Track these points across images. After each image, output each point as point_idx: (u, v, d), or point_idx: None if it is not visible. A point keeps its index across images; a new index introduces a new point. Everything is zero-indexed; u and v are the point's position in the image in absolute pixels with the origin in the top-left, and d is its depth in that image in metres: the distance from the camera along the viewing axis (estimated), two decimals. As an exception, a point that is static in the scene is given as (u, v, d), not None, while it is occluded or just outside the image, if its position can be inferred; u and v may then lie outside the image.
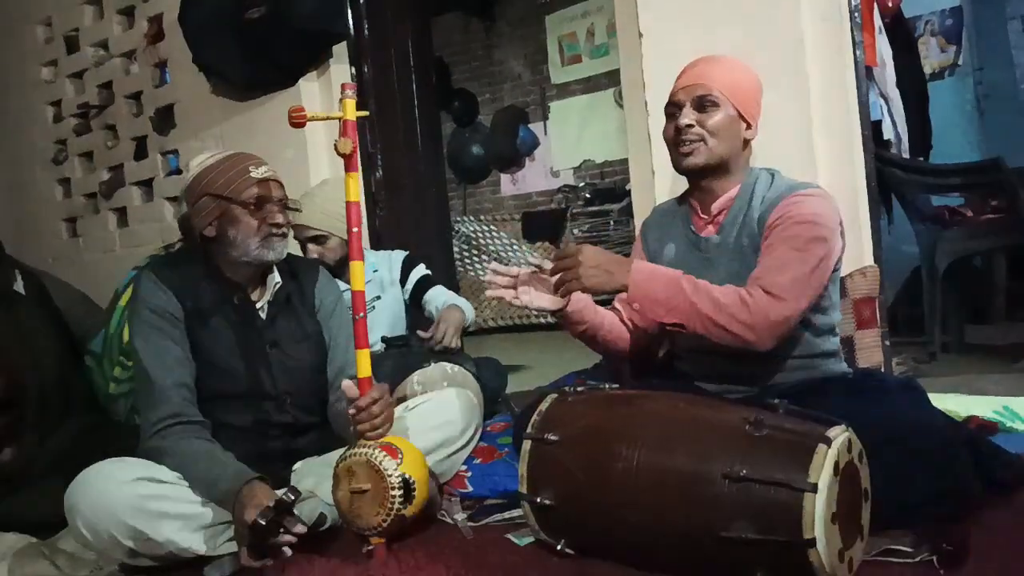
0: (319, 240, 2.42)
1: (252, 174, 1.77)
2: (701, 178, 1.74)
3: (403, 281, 2.61)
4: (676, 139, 1.71)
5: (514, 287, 1.73)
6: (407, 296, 2.61)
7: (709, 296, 1.52)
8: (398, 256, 2.65)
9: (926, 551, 1.28)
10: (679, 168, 1.74)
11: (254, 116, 3.19)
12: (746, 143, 1.74)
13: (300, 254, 2.35)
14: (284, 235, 1.81)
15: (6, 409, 1.97)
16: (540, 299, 1.72)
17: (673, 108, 1.73)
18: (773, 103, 2.22)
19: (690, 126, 1.68)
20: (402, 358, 2.38)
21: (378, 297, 2.55)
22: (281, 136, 3.01)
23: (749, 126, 1.72)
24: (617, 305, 1.89)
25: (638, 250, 1.94)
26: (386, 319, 2.55)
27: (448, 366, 2.29)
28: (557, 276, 1.61)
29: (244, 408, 1.78)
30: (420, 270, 2.62)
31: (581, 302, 1.76)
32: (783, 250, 1.56)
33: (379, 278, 2.58)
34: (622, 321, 1.86)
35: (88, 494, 1.51)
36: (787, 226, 1.59)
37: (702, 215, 1.78)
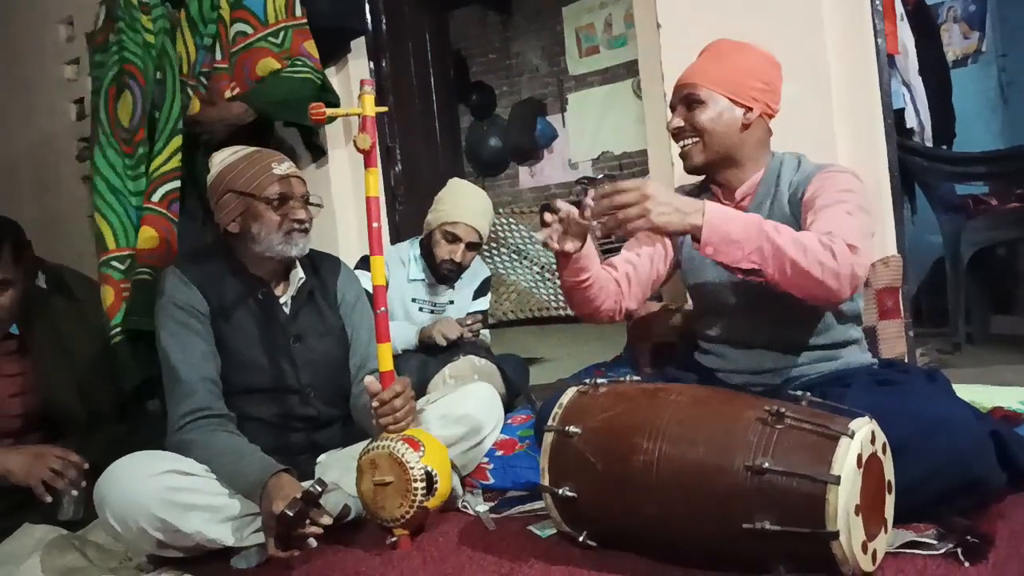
0: (472, 247, 2.52)
1: (274, 171, 1.79)
2: (711, 173, 1.73)
3: (473, 298, 2.71)
4: (676, 141, 1.73)
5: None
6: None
7: (793, 238, 1.40)
8: (481, 274, 2.74)
9: (950, 543, 1.27)
10: (685, 169, 1.74)
11: (274, 112, 3.20)
12: (747, 127, 1.66)
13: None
14: (306, 231, 1.83)
15: (40, 424, 1.99)
16: (564, 241, 1.56)
17: (671, 110, 1.74)
18: (794, 93, 2.20)
19: (680, 127, 1.69)
20: (424, 356, 2.41)
21: (451, 302, 2.65)
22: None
23: (750, 109, 1.66)
24: (615, 262, 1.79)
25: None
26: None
27: (476, 359, 2.33)
28: (611, 213, 1.41)
29: (268, 401, 1.80)
30: (485, 302, 2.73)
31: (589, 248, 1.63)
32: (837, 211, 1.49)
33: (460, 286, 2.67)
34: (616, 281, 1.75)
35: (117, 487, 1.53)
36: (830, 193, 1.54)
37: (725, 201, 1.74)
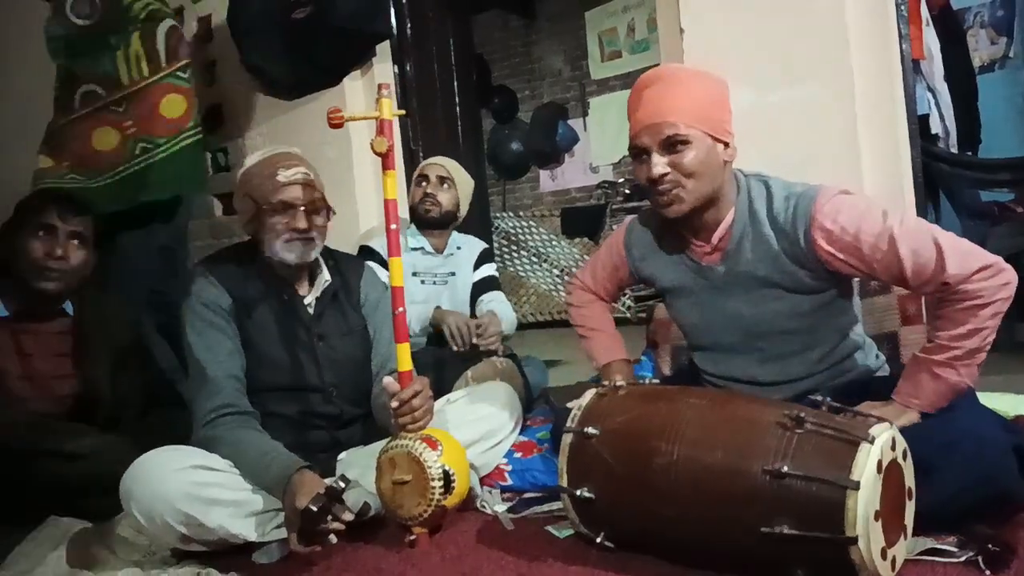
0: (444, 182, 2.62)
1: (278, 177, 1.78)
2: (692, 217, 1.56)
3: (475, 269, 2.73)
4: (652, 188, 1.53)
5: None
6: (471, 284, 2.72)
7: (959, 335, 1.40)
8: (478, 245, 2.79)
9: (971, 551, 1.26)
10: (664, 217, 1.57)
11: (300, 115, 3.25)
12: (727, 163, 1.54)
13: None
14: (308, 239, 1.80)
15: (77, 413, 2.03)
16: None
17: (639, 151, 1.54)
18: (817, 98, 2.20)
19: (664, 175, 1.49)
20: (442, 354, 2.43)
21: (453, 273, 2.68)
22: (326, 135, 3.06)
23: (727, 144, 1.52)
24: (601, 293, 1.95)
25: (618, 254, 1.82)
26: (454, 296, 2.66)
27: (497, 360, 2.34)
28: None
29: (291, 399, 1.82)
30: (490, 268, 2.76)
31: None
32: (901, 243, 1.41)
33: (460, 256, 2.72)
34: (611, 308, 1.98)
35: (143, 481, 1.56)
36: (869, 224, 1.43)
37: (698, 243, 1.63)
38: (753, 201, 1.56)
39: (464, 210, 2.71)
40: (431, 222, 2.62)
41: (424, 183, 2.62)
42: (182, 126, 2.73)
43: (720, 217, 1.57)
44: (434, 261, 2.65)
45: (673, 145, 1.48)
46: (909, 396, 1.46)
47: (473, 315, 2.63)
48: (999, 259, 1.40)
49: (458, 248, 2.72)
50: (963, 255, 1.39)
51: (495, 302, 2.64)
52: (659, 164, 1.49)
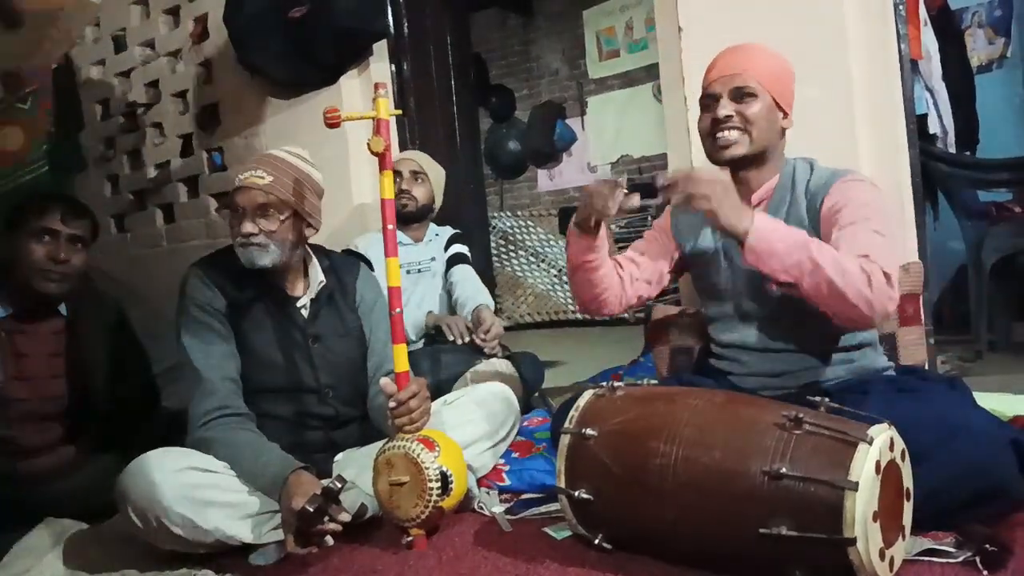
0: (417, 177, 2.68)
1: (236, 181, 1.77)
2: (739, 169, 1.70)
3: (445, 250, 2.80)
4: (713, 130, 1.68)
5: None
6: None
7: (833, 259, 1.43)
8: (450, 231, 2.87)
9: (969, 551, 1.26)
10: (717, 160, 1.70)
11: (296, 114, 3.24)
12: (782, 132, 1.71)
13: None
14: (255, 244, 1.74)
15: (70, 414, 2.03)
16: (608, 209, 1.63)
17: (709, 99, 1.70)
18: (815, 97, 2.19)
19: (729, 116, 1.65)
20: (439, 355, 2.43)
21: (433, 258, 2.76)
22: (322, 134, 3.03)
23: (785, 115, 1.70)
24: (619, 259, 1.87)
25: (664, 231, 1.90)
26: (436, 280, 2.74)
27: (498, 362, 2.34)
28: (680, 189, 1.49)
29: (287, 400, 1.82)
30: (460, 246, 2.82)
31: (604, 231, 1.74)
32: (864, 229, 1.50)
33: (439, 242, 2.80)
34: (619, 276, 1.84)
35: (138, 482, 1.55)
36: (854, 208, 1.55)
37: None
38: (796, 171, 1.72)
39: (439, 201, 2.77)
40: (408, 216, 2.68)
41: (398, 179, 2.65)
42: (20, 159, 2.61)
43: (764, 179, 1.72)
44: (413, 250, 2.72)
45: (742, 95, 1.65)
46: (765, 221, 1.49)
47: (450, 303, 2.70)
48: (898, 299, 1.46)
49: (436, 235, 2.80)
50: (894, 264, 1.45)
51: (466, 276, 2.70)
52: (726, 107, 1.66)
